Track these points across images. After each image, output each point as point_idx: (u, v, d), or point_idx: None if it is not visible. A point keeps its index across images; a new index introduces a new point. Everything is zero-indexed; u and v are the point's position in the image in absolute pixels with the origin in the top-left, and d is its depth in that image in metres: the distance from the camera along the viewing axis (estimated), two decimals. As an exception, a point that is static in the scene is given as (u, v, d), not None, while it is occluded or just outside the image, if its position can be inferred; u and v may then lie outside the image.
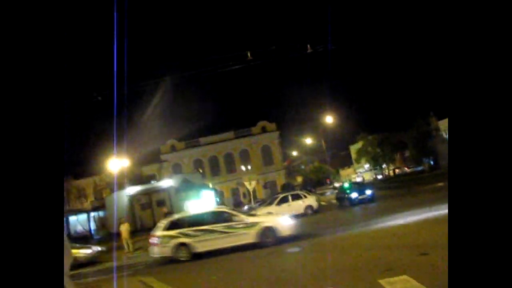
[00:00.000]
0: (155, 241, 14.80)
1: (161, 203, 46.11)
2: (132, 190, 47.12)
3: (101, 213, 53.13)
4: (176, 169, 68.22)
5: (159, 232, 14.98)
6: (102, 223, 49.21)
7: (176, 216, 16.11)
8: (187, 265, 14.11)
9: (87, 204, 61.20)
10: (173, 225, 14.96)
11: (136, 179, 52.09)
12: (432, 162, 57.29)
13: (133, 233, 38.46)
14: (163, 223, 15.35)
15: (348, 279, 7.74)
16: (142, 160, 63.40)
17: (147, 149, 63.00)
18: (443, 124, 57.94)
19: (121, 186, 47.98)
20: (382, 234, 12.96)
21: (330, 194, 42.97)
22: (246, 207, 56.92)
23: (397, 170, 66.76)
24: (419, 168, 58.99)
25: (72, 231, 44.96)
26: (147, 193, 46.83)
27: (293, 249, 13.05)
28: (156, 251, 14.91)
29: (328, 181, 73.95)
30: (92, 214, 53.76)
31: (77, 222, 46.35)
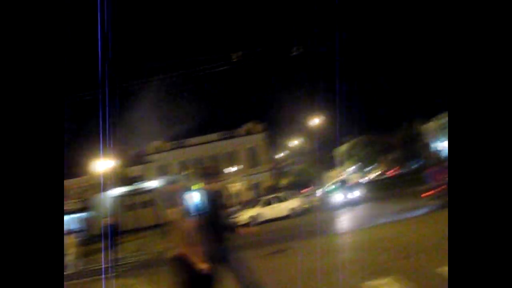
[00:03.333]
0: None
1: (147, 205, 45.90)
2: (117, 191, 46.81)
3: (85, 215, 52.75)
4: (162, 171, 67.83)
5: None
6: (89, 224, 48.87)
7: None
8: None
9: (71, 205, 60.57)
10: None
11: (122, 181, 51.72)
12: (417, 165, 57.76)
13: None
14: None
15: (331, 281, 7.74)
16: (128, 161, 62.94)
17: (133, 150, 62.64)
18: (428, 127, 58.51)
19: (106, 188, 47.63)
20: (366, 236, 13.01)
21: (316, 196, 43.01)
22: (233, 209, 56.91)
23: (380, 173, 67.20)
24: (405, 170, 59.46)
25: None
26: (132, 195, 46.57)
27: (276, 251, 13.04)
28: None
29: (314, 183, 74.14)
30: (76, 215, 53.35)
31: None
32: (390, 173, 63.58)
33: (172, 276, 4.87)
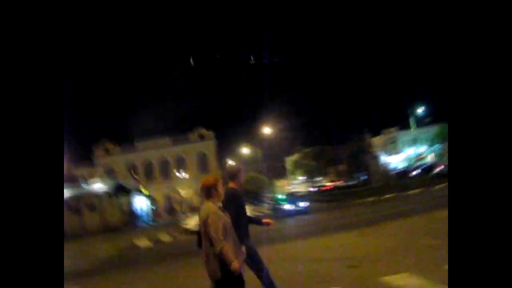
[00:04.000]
0: None
1: (92, 208, 44.69)
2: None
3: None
4: (110, 173, 66.34)
5: None
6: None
7: None
8: (121, 275, 13.85)
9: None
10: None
11: (66, 182, 50.14)
12: (365, 177, 59.07)
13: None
14: None
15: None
16: (74, 162, 61.17)
17: (80, 150, 61.00)
18: (376, 141, 60.11)
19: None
20: (314, 246, 13.20)
21: (264, 205, 43.13)
22: (181, 214, 56.27)
23: (330, 184, 68.30)
24: (352, 183, 60.63)
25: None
26: (77, 197, 45.18)
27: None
28: None
29: (263, 192, 74.41)
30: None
31: None
32: (338, 184, 64.65)
33: (212, 271, 4.79)
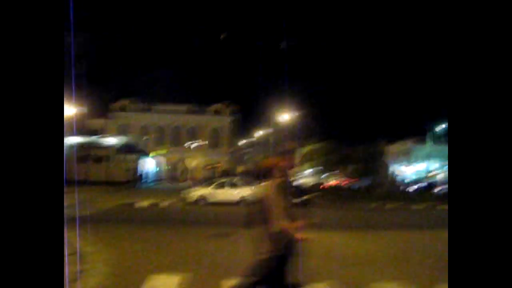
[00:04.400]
0: None
1: (98, 160, 45.18)
2: (71, 140, 45.82)
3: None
4: (123, 130, 66.84)
5: None
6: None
7: None
8: (117, 229, 14.06)
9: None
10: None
11: (80, 131, 50.67)
12: (371, 182, 58.84)
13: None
14: None
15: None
16: (90, 112, 61.68)
17: (98, 102, 61.33)
18: (390, 149, 59.69)
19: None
20: (314, 241, 13.12)
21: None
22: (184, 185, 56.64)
23: (336, 182, 68.17)
24: (358, 185, 60.46)
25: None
26: (87, 147, 45.71)
27: (219, 234, 13.09)
28: None
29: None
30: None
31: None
32: (346, 183, 64.48)
33: (263, 249, 4.83)
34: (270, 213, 4.70)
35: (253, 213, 5.07)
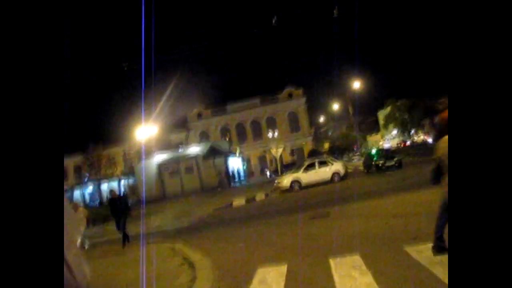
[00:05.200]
0: None
1: (189, 170, 46.74)
2: (160, 157, 47.76)
3: (131, 180, 54.23)
4: (203, 137, 68.78)
5: None
6: (132, 190, 50.32)
7: None
8: (218, 231, 14.47)
9: (117, 172, 62.36)
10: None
11: (164, 147, 52.73)
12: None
13: (158, 200, 39.09)
14: None
15: (374, 246, 7.72)
16: (170, 128, 63.99)
17: (175, 117, 63.50)
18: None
19: (149, 154, 48.68)
20: (408, 201, 12.82)
21: (357, 161, 42.64)
22: (268, 173, 57.15)
23: (421, 138, 65.74)
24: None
25: (104, 197, 46.25)
26: (175, 161, 47.44)
27: (318, 216, 13.09)
28: None
29: (355, 148, 73.38)
30: (122, 181, 54.92)
31: (108, 188, 47.43)
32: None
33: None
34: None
35: (437, 168, 5.40)
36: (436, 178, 5.48)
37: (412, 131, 70.68)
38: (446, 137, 5.04)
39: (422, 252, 6.61)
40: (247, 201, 24.19)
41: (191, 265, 8.84)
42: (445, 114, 5.10)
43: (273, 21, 20.63)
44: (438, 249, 6.15)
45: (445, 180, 5.01)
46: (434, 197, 12.41)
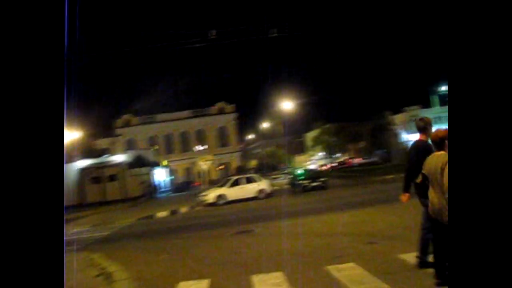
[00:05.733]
0: None
1: (111, 178, 45.35)
2: (83, 163, 46.00)
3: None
4: (131, 145, 67.10)
5: None
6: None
7: None
8: (140, 242, 14.05)
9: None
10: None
11: (88, 153, 50.81)
12: (385, 155, 58.60)
13: (77, 207, 37.60)
14: None
15: (297, 264, 7.78)
16: (96, 134, 61.90)
17: (101, 122, 61.58)
18: (397, 119, 59.26)
19: (71, 159, 46.62)
20: (332, 222, 13.15)
21: (283, 180, 43.26)
22: (194, 186, 56.67)
23: (349, 160, 67.92)
24: (372, 159, 60.25)
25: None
26: (99, 167, 45.90)
27: (242, 231, 13.06)
28: None
29: (282, 166, 74.47)
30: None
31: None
32: (357, 161, 64.35)
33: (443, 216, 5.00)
34: (445, 182, 4.83)
35: (422, 183, 5.44)
36: (422, 192, 5.62)
37: (339, 154, 72.77)
38: (435, 154, 5.23)
39: (343, 271, 6.75)
40: (171, 213, 23.77)
41: (108, 277, 8.47)
42: (440, 133, 5.29)
43: (212, 34, 20.62)
44: (422, 265, 6.42)
45: (430, 194, 5.21)
46: (357, 218, 12.90)
